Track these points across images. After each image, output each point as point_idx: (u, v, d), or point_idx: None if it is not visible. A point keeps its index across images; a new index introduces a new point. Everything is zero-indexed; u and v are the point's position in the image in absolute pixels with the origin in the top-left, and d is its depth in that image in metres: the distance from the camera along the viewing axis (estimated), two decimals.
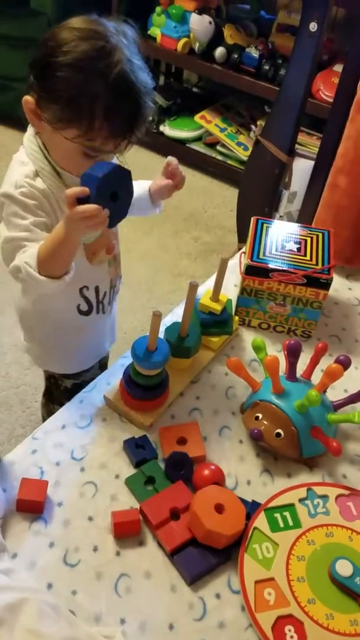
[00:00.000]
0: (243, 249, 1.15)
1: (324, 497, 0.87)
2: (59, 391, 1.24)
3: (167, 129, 2.74)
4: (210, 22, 2.40)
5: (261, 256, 1.08)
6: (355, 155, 1.24)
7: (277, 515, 0.84)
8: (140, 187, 1.09)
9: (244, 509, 0.82)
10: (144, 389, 0.94)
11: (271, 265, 1.07)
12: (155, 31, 2.56)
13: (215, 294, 1.05)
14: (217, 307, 1.05)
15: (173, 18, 2.49)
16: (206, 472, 0.86)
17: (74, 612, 0.74)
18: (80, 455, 0.90)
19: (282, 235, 1.14)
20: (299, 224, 1.18)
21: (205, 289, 1.09)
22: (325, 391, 0.98)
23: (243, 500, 0.84)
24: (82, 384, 1.05)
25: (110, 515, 0.82)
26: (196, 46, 2.48)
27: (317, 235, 1.15)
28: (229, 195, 2.62)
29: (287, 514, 0.84)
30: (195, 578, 0.78)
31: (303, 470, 0.92)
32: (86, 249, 1.00)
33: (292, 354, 0.97)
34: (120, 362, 1.04)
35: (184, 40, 2.47)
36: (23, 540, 0.79)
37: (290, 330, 1.14)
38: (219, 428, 0.97)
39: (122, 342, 1.33)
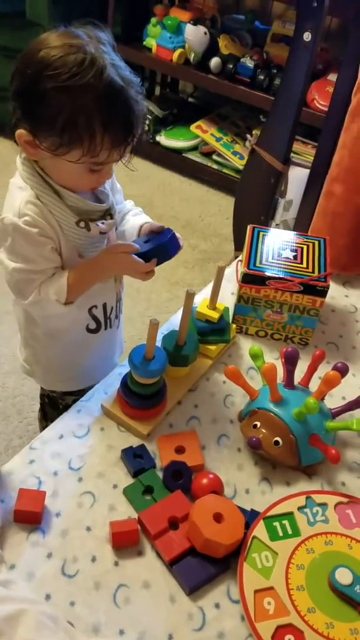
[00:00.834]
0: (240, 257, 1.15)
1: (323, 505, 0.87)
2: (56, 410, 1.22)
3: (163, 139, 2.75)
4: (205, 33, 2.42)
5: (258, 264, 1.09)
6: (350, 164, 1.24)
7: (276, 523, 0.84)
8: (134, 221, 1.08)
9: (243, 518, 0.81)
10: (141, 398, 0.94)
11: (268, 273, 1.07)
12: (150, 42, 2.57)
13: (213, 302, 1.05)
14: (215, 315, 1.05)
15: (168, 29, 2.51)
16: (204, 481, 0.86)
17: (73, 623, 0.73)
18: (77, 465, 0.89)
19: (278, 243, 1.14)
20: (295, 232, 1.19)
21: (202, 297, 1.09)
22: (323, 399, 0.98)
23: (242, 509, 0.83)
24: None
25: (109, 526, 0.81)
26: (191, 57, 2.49)
27: (314, 243, 1.15)
28: (225, 203, 2.63)
29: (286, 522, 0.84)
30: (194, 588, 0.78)
31: (302, 479, 0.92)
32: None
33: (290, 362, 0.97)
34: (117, 371, 1.04)
35: (179, 50, 2.49)
36: (21, 551, 0.79)
37: (287, 337, 1.14)
38: (217, 436, 0.96)
39: None
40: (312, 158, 1.86)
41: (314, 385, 0.97)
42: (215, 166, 2.69)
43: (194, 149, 2.77)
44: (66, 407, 1.19)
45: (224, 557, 0.79)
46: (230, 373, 0.96)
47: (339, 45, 2.38)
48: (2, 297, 1.00)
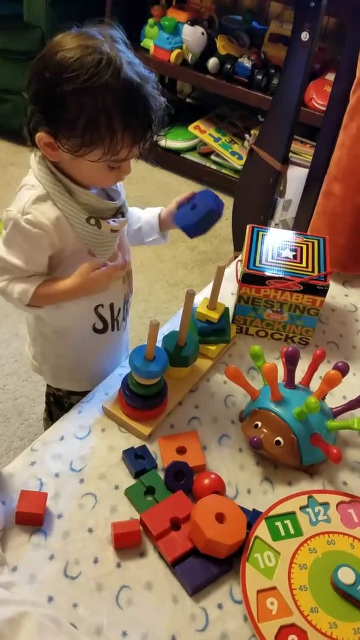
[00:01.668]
0: (239, 257, 1.15)
1: (325, 504, 0.87)
2: (62, 410, 1.22)
3: (161, 140, 2.75)
4: (202, 33, 2.42)
5: (257, 264, 1.09)
6: (349, 163, 1.24)
7: (278, 523, 0.84)
8: (149, 212, 1.10)
9: (245, 518, 0.81)
10: (142, 399, 0.93)
11: (267, 273, 1.07)
12: (148, 43, 2.57)
13: (213, 303, 1.05)
14: (215, 316, 1.05)
15: (166, 29, 2.51)
16: (206, 481, 0.86)
17: (75, 625, 0.73)
18: (79, 466, 0.89)
19: (278, 242, 1.14)
20: (295, 232, 1.19)
21: (202, 298, 1.09)
22: (324, 398, 0.98)
23: (244, 509, 0.83)
24: None
25: (110, 527, 0.81)
26: (189, 57, 2.49)
27: (313, 243, 1.15)
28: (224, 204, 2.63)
29: (288, 522, 0.84)
30: (196, 589, 0.77)
31: (303, 478, 0.92)
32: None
33: (290, 361, 0.97)
34: (118, 372, 1.04)
35: (176, 51, 2.49)
36: (23, 553, 0.79)
37: (287, 337, 1.14)
38: (218, 437, 0.96)
39: None
40: (311, 158, 1.86)
41: (315, 384, 0.97)
42: (213, 166, 2.69)
43: (192, 149, 2.77)
44: (72, 406, 1.19)
45: (227, 558, 0.79)
46: (230, 373, 0.96)
47: (336, 45, 2.38)
48: (1, 299, 1.00)
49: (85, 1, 2.46)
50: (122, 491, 0.87)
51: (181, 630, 0.74)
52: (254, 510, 0.85)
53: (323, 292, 1.07)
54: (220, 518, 0.80)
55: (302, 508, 0.86)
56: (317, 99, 2.23)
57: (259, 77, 2.36)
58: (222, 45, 2.45)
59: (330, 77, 2.20)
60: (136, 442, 0.93)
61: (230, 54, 2.44)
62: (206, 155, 2.73)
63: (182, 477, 0.87)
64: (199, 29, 2.42)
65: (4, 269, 0.95)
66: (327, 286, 1.07)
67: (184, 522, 0.82)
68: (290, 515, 0.85)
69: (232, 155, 2.63)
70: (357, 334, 1.19)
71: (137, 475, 0.88)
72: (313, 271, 1.08)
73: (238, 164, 2.57)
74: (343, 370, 0.94)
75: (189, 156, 2.75)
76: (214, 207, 1.00)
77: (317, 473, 0.93)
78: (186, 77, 2.61)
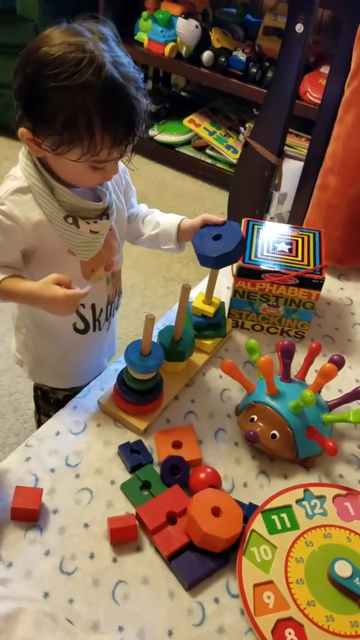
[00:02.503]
0: None
1: (321, 497, 0.87)
2: (48, 404, 1.22)
3: (156, 133, 2.74)
4: (197, 26, 2.41)
5: (253, 258, 1.08)
6: (344, 156, 1.24)
7: (275, 517, 0.84)
8: (169, 220, 1.07)
9: (241, 512, 0.81)
10: (138, 394, 0.93)
11: (263, 267, 1.07)
12: (142, 36, 2.56)
13: (208, 297, 1.05)
14: (210, 310, 1.05)
15: (160, 23, 2.49)
16: (202, 475, 0.86)
17: (72, 620, 0.73)
18: (74, 461, 0.89)
19: (273, 236, 1.14)
20: (290, 225, 1.18)
21: (197, 292, 1.09)
22: (319, 391, 0.98)
23: (240, 503, 0.83)
24: (75, 395, 1.03)
25: (107, 522, 0.81)
26: (183, 50, 2.48)
27: (309, 236, 1.15)
28: (219, 198, 2.62)
29: (284, 515, 0.84)
30: (193, 583, 0.77)
31: (299, 471, 0.92)
32: (83, 266, 0.99)
33: (286, 355, 0.97)
34: (113, 367, 1.03)
35: (171, 44, 2.48)
36: (18, 549, 0.78)
37: (283, 331, 1.14)
38: (214, 431, 0.96)
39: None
40: (306, 151, 1.85)
41: (311, 378, 0.97)
42: (209, 160, 2.68)
43: (187, 143, 2.76)
44: (57, 402, 1.19)
45: (223, 552, 0.79)
46: (226, 367, 0.95)
47: (330, 37, 2.37)
48: None
49: None
50: (118, 486, 0.86)
51: (178, 624, 0.74)
52: (250, 503, 0.85)
53: (318, 285, 1.07)
54: (216, 512, 0.79)
55: (298, 501, 0.86)
56: (312, 92, 2.23)
57: (254, 70, 2.35)
58: (216, 38, 2.44)
59: (325, 70, 2.20)
60: (132, 437, 0.93)
61: (224, 47, 2.42)
62: (201, 149, 2.72)
63: (178, 472, 0.87)
64: (193, 22, 2.41)
65: None
66: (323, 279, 1.07)
67: (180, 516, 0.81)
68: (287, 508, 0.85)
69: (227, 149, 2.62)
70: (352, 327, 1.19)
71: (133, 469, 0.88)
72: (308, 264, 1.08)
73: (233, 157, 2.57)
74: (339, 363, 0.94)
75: (184, 150, 2.74)
76: (238, 250, 0.94)
77: (313, 466, 0.93)
78: (180, 70, 2.60)
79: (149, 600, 0.76)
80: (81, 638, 0.70)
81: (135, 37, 2.59)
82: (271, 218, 2.07)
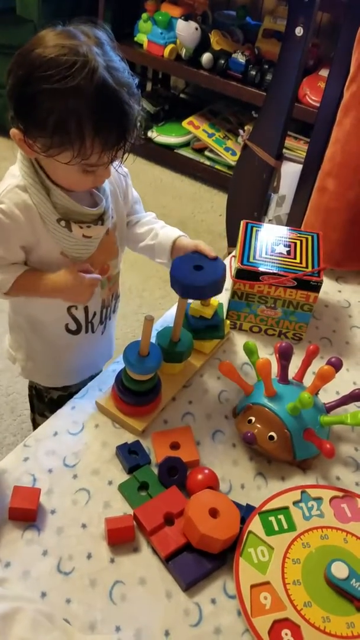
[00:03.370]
0: (233, 253, 1.15)
1: (318, 499, 0.87)
2: (42, 403, 1.22)
3: (155, 135, 2.74)
4: (196, 29, 2.42)
5: (251, 260, 1.09)
6: (342, 159, 1.24)
7: (272, 518, 0.84)
8: (166, 234, 1.06)
9: (239, 513, 0.81)
10: (136, 395, 0.93)
11: (261, 269, 1.07)
12: (141, 38, 2.57)
13: None
14: (208, 312, 1.05)
15: (159, 25, 2.50)
16: (200, 476, 0.86)
17: (69, 621, 0.73)
18: (72, 462, 0.89)
19: (271, 238, 1.14)
20: (289, 227, 1.19)
21: None
22: (317, 393, 0.98)
23: (237, 504, 0.83)
24: (69, 395, 1.03)
25: (104, 522, 0.81)
26: (183, 52, 2.49)
27: (307, 238, 1.15)
28: (217, 200, 2.63)
29: (281, 517, 0.84)
30: (190, 584, 0.77)
31: (297, 473, 0.92)
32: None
33: (284, 357, 0.97)
34: (111, 368, 1.03)
35: (170, 46, 2.48)
36: (16, 549, 0.79)
37: (281, 333, 1.14)
38: (212, 432, 0.96)
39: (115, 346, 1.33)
40: (305, 154, 1.86)
41: (308, 380, 0.97)
42: (207, 162, 2.69)
43: (186, 145, 2.76)
44: (51, 401, 1.19)
45: (220, 553, 0.79)
46: (224, 369, 0.96)
47: (329, 41, 2.38)
48: None
49: None
50: (115, 487, 0.87)
51: (175, 625, 0.75)
52: (247, 505, 0.85)
53: (316, 288, 1.07)
54: (213, 513, 0.80)
55: (295, 503, 0.86)
56: (311, 95, 2.24)
57: (253, 72, 2.36)
58: (215, 40, 2.44)
59: (324, 73, 2.20)
60: (130, 438, 0.93)
61: (224, 49, 2.43)
62: (200, 151, 2.72)
63: (175, 473, 0.87)
64: (192, 24, 2.41)
65: None
66: (321, 282, 1.07)
67: (177, 517, 0.82)
68: (284, 510, 0.85)
69: (226, 151, 2.63)
70: (350, 329, 1.19)
71: (130, 470, 0.88)
72: (307, 267, 1.08)
73: (232, 159, 2.57)
74: (336, 365, 0.94)
75: (183, 152, 2.74)
76: (210, 290, 0.94)
77: (310, 468, 0.93)
78: (180, 72, 2.61)
79: (146, 601, 0.76)
80: (78, 638, 0.70)
81: (135, 39, 2.60)
82: (269, 220, 2.07)
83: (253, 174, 2.02)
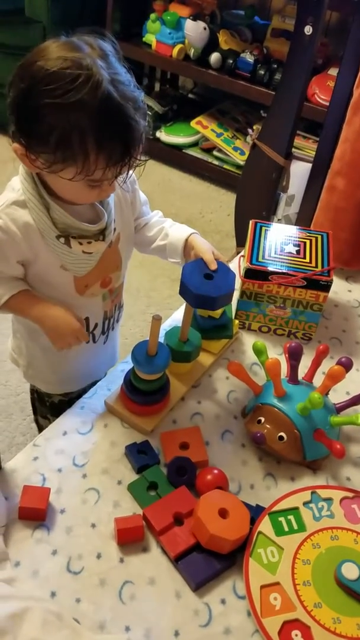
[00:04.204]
0: (242, 253, 1.15)
1: (328, 500, 0.86)
2: (44, 406, 1.22)
3: (163, 135, 2.74)
4: (205, 28, 2.42)
5: (260, 259, 1.08)
6: (352, 158, 1.24)
7: (282, 519, 0.84)
8: (178, 233, 1.05)
9: (248, 514, 0.81)
10: (144, 394, 0.93)
11: (270, 268, 1.07)
12: (150, 38, 2.56)
13: None
14: (217, 311, 1.05)
15: (168, 24, 2.50)
16: (209, 476, 0.86)
17: (78, 620, 0.73)
18: (82, 461, 0.89)
19: (281, 238, 1.14)
20: (298, 227, 1.18)
21: None
22: (327, 393, 0.97)
23: (247, 505, 0.83)
24: (70, 400, 1.02)
25: (113, 522, 0.81)
26: (191, 52, 2.48)
27: (316, 238, 1.15)
28: (226, 199, 2.62)
29: (291, 517, 0.84)
30: (200, 584, 0.77)
31: (306, 474, 0.92)
32: (77, 281, 0.97)
33: (294, 357, 0.97)
34: (120, 368, 1.03)
35: (179, 46, 2.48)
36: (25, 549, 0.79)
37: (290, 333, 1.14)
38: (221, 432, 0.96)
39: (122, 348, 1.33)
40: (314, 153, 1.85)
41: (318, 380, 0.97)
42: (216, 162, 2.68)
43: (194, 145, 2.76)
44: (53, 405, 1.19)
45: (230, 553, 0.79)
46: (233, 369, 0.95)
47: (338, 40, 2.37)
48: None
49: None
50: (124, 486, 0.87)
51: (184, 625, 0.74)
52: (257, 505, 0.85)
53: (326, 287, 1.07)
54: (223, 513, 0.79)
55: (305, 503, 0.85)
56: (320, 94, 2.23)
57: (262, 72, 2.35)
58: (224, 40, 2.44)
59: (333, 72, 2.20)
60: (139, 438, 0.93)
61: (232, 49, 2.43)
62: (208, 150, 2.72)
63: (184, 473, 0.87)
64: (201, 24, 2.41)
65: None
66: (331, 281, 1.06)
67: (186, 517, 0.81)
68: (294, 510, 0.85)
69: (235, 151, 2.62)
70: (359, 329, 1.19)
71: (139, 470, 0.88)
72: (316, 266, 1.08)
73: (240, 159, 2.57)
74: (346, 365, 0.94)
75: (191, 152, 2.74)
76: (220, 301, 0.91)
77: (320, 468, 0.93)
78: (188, 72, 2.61)
79: (155, 601, 0.76)
80: (88, 637, 0.70)
81: (143, 39, 2.60)
82: (279, 220, 2.06)
83: (262, 173, 2.01)
